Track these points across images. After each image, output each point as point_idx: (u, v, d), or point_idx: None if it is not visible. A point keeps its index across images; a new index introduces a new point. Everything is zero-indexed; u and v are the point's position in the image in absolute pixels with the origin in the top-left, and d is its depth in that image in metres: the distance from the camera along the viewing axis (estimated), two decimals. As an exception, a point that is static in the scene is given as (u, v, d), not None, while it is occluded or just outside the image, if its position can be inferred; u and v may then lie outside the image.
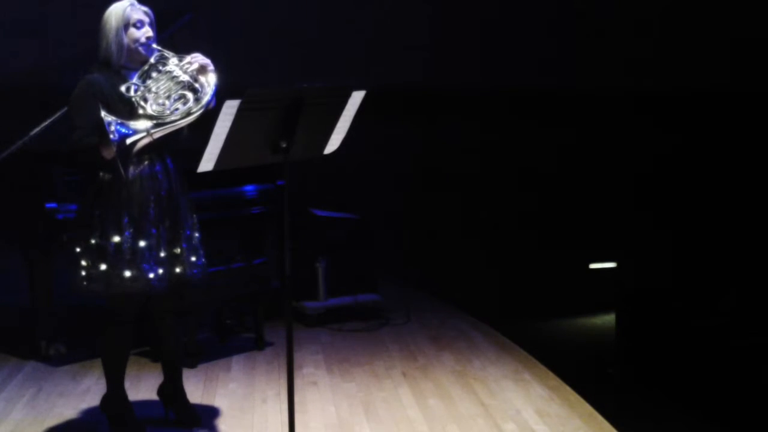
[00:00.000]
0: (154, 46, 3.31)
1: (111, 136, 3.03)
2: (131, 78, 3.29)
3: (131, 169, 3.30)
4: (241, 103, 2.81)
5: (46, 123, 4.29)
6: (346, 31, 7.18)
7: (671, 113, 7.64)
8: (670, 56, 7.62)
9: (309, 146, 3.14)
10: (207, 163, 2.91)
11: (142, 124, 3.12)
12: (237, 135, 2.87)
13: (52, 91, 3.90)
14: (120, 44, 3.30)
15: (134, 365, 4.36)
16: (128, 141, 3.08)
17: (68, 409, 3.92)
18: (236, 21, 6.86)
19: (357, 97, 3.11)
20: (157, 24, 3.42)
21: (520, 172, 7.63)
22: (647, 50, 7.59)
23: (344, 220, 5.56)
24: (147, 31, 3.31)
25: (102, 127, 3.02)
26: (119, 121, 3.07)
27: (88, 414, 3.88)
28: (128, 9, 3.30)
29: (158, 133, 3.16)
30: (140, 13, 3.32)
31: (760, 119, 7.44)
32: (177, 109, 3.20)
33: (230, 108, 2.82)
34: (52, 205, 4.29)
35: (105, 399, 3.63)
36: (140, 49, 3.30)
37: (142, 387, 4.15)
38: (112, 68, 3.32)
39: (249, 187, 4.98)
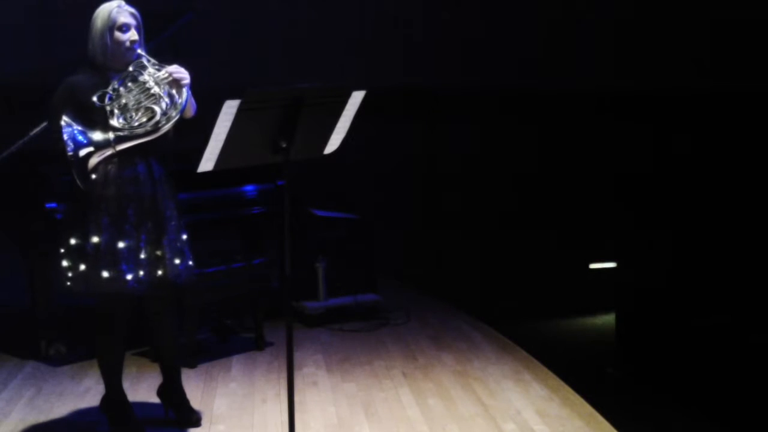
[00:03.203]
0: (139, 51, 3.30)
1: (66, 146, 3.05)
2: (114, 79, 3.28)
3: (111, 171, 3.29)
4: (241, 103, 2.81)
5: (45, 123, 4.29)
6: (345, 31, 7.18)
7: (671, 114, 7.64)
8: (669, 56, 7.62)
9: (309, 146, 3.14)
10: (207, 163, 2.91)
11: (100, 136, 3.14)
12: (237, 135, 2.87)
13: (52, 92, 3.90)
14: (105, 47, 3.29)
15: (134, 365, 4.37)
16: (81, 153, 3.11)
17: (68, 409, 3.92)
18: (236, 21, 6.86)
19: (357, 97, 3.11)
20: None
21: (521, 172, 7.64)
22: (647, 50, 7.59)
23: (344, 220, 5.55)
24: (132, 35, 3.29)
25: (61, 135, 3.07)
26: (80, 130, 3.09)
27: (88, 414, 3.87)
28: (114, 11, 3.28)
29: (122, 146, 3.18)
30: (127, 15, 3.29)
31: (761, 119, 7.45)
32: (143, 122, 3.20)
33: (230, 108, 2.82)
34: (52, 205, 4.28)
35: (105, 399, 3.63)
36: (124, 52, 3.29)
37: (142, 387, 4.15)
38: (97, 69, 3.32)
39: (249, 187, 4.98)
